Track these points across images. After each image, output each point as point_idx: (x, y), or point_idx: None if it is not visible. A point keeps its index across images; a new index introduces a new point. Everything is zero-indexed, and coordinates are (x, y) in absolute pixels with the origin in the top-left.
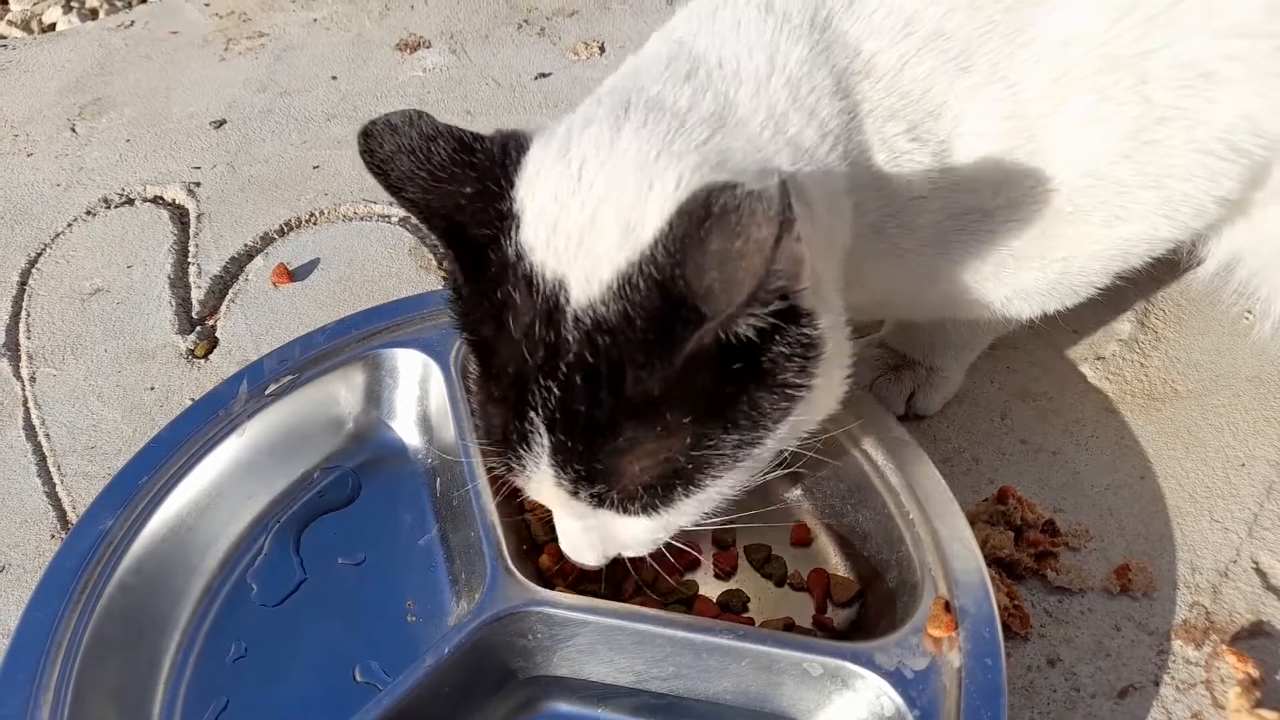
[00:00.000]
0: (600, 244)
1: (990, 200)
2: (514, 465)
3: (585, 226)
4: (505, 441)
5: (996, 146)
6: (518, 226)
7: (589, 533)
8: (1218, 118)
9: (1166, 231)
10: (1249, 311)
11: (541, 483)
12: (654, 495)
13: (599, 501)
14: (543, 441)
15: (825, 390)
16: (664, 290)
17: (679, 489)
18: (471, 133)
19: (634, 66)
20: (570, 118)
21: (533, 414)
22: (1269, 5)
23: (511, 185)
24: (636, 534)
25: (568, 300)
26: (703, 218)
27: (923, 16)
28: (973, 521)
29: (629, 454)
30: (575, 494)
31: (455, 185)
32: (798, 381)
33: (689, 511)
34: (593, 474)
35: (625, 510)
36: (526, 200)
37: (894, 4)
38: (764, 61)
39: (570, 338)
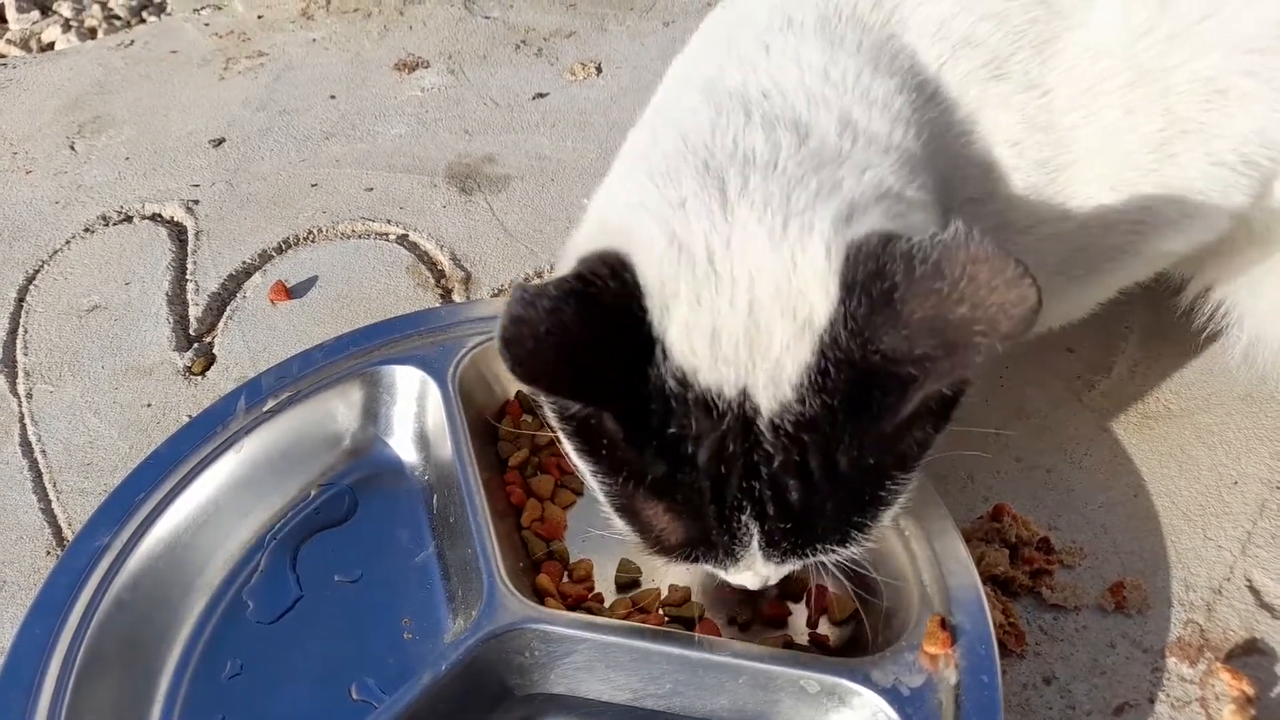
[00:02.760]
0: (775, 343)
1: (1024, 218)
2: (714, 560)
3: (749, 328)
4: (705, 544)
5: (1030, 158)
6: (665, 351)
7: (776, 575)
8: (1233, 132)
9: (1179, 245)
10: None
11: (748, 563)
12: (863, 530)
13: (809, 558)
14: (752, 533)
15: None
16: (862, 371)
17: (882, 514)
18: (573, 276)
19: (669, 118)
20: (636, 202)
21: (740, 515)
22: None
23: (645, 311)
24: (832, 559)
25: (757, 411)
26: (887, 290)
27: (954, 24)
28: (968, 539)
29: (843, 514)
30: (785, 562)
31: (603, 341)
32: (955, 409)
33: (885, 524)
34: (808, 542)
35: (834, 554)
36: (664, 319)
37: (931, 9)
38: (818, 78)
39: (770, 446)
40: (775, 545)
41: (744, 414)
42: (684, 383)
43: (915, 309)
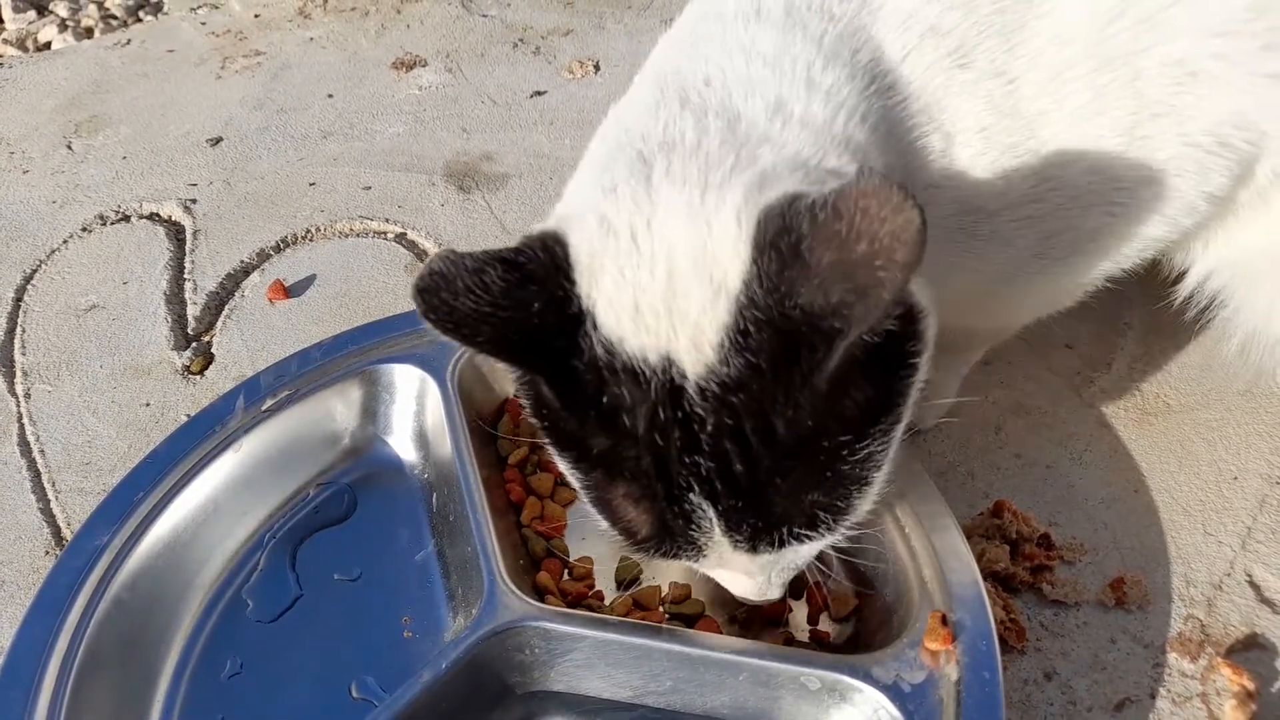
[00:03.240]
0: (692, 308)
1: (993, 201)
2: (683, 549)
3: (668, 295)
4: (667, 532)
5: (998, 143)
6: (595, 323)
7: (762, 574)
8: (1206, 114)
9: (1159, 229)
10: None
11: (718, 554)
12: (832, 512)
13: (780, 546)
14: (709, 515)
15: (930, 347)
16: (780, 328)
17: (853, 495)
18: (509, 249)
19: (619, 114)
20: (583, 192)
21: (690, 495)
22: (1252, 5)
23: (573, 284)
24: (813, 551)
25: (684, 375)
26: (794, 243)
27: (922, 13)
28: (969, 535)
29: (800, 490)
30: (755, 550)
31: (522, 309)
32: (916, 349)
33: (863, 511)
34: (770, 524)
35: (808, 540)
36: (593, 292)
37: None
38: (763, 66)
39: (701, 410)
40: (736, 528)
41: (671, 380)
42: (611, 351)
43: (821, 255)
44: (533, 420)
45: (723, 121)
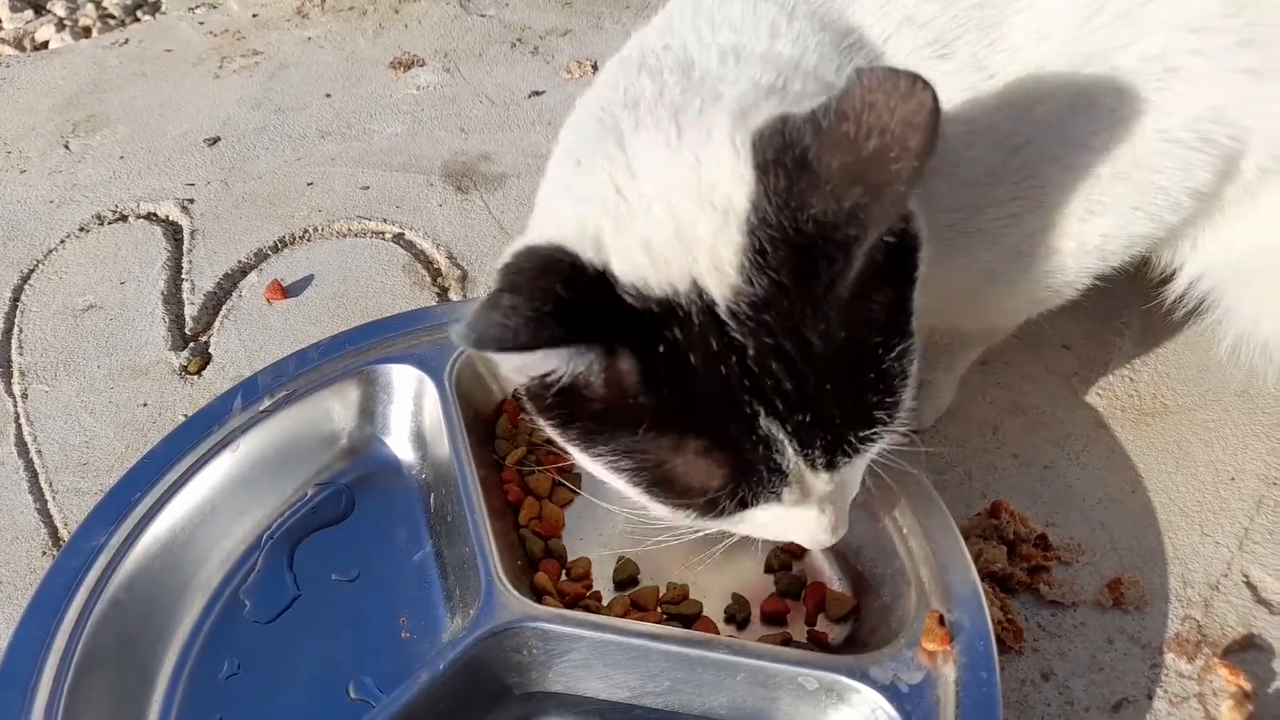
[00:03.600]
0: (703, 233)
1: (979, 199)
2: (763, 485)
3: (676, 227)
4: (745, 471)
5: (982, 138)
6: (614, 278)
7: (828, 509)
8: (1185, 109)
9: (1143, 226)
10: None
11: (798, 482)
12: (886, 409)
13: (852, 454)
14: (780, 437)
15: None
16: (796, 244)
17: (898, 389)
18: (503, 271)
19: (582, 99)
20: (548, 187)
21: (759, 420)
22: (1229, 0)
23: (575, 256)
24: (870, 457)
25: (714, 301)
26: (799, 156)
27: (897, 2)
28: (966, 536)
29: (852, 395)
30: (832, 464)
31: (554, 301)
32: (915, 264)
33: (909, 404)
34: (837, 433)
35: (872, 443)
36: (598, 255)
37: None
38: (724, 27)
39: (739, 335)
40: (809, 444)
41: (705, 306)
42: (642, 294)
43: (830, 161)
44: (582, 439)
45: (679, 74)
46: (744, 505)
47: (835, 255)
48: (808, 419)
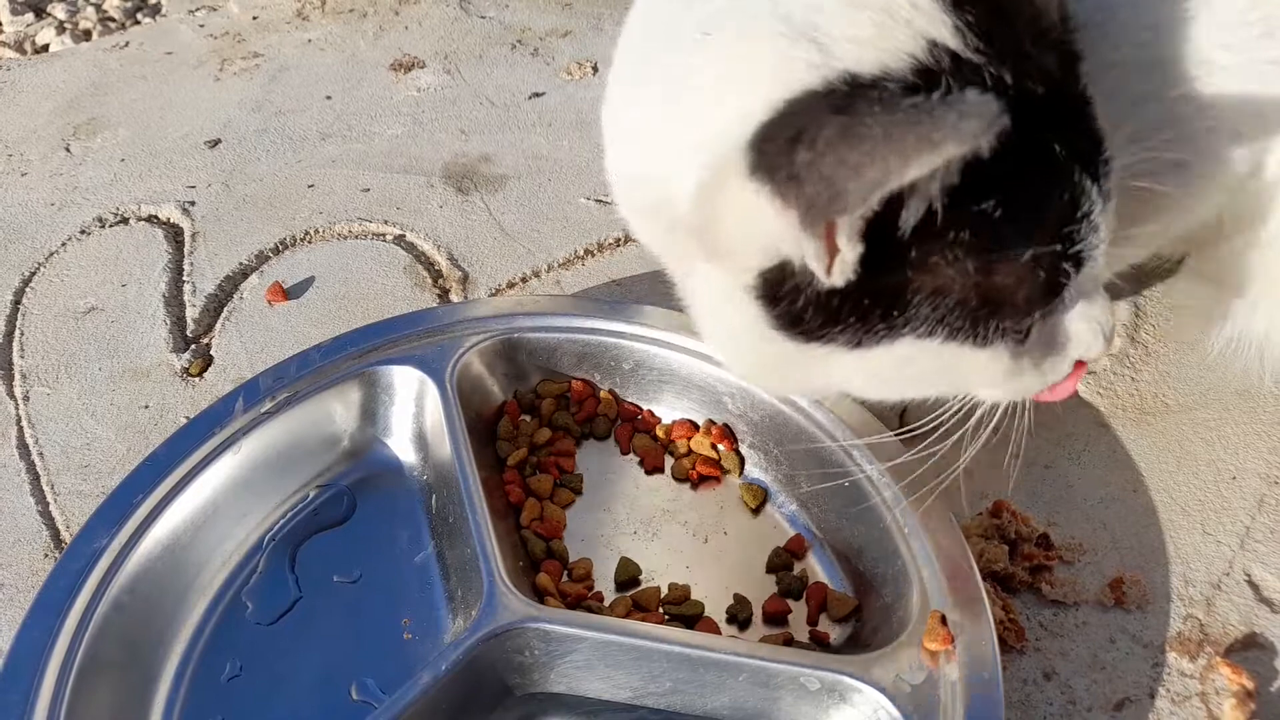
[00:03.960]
0: None
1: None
2: (1086, 252)
3: None
4: (1077, 232)
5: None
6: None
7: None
8: None
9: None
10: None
11: (1110, 266)
12: None
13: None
14: (1096, 200)
15: None
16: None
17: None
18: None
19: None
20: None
21: (1074, 174)
22: None
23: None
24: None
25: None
26: None
27: None
28: (967, 535)
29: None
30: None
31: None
32: None
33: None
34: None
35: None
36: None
37: None
38: None
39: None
40: (1102, 179)
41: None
42: (884, 80)
43: None
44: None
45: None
46: (1060, 287)
47: None
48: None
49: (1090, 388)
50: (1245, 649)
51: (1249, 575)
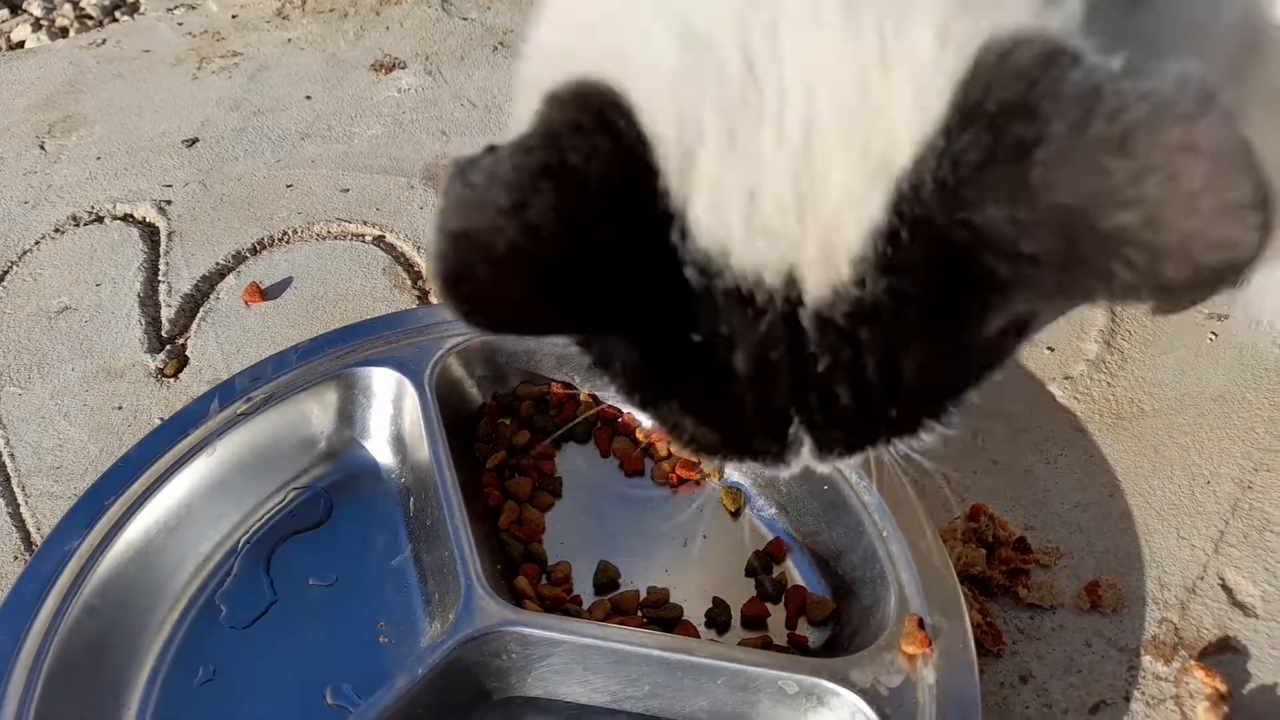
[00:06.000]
0: (832, 195)
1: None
2: (756, 461)
3: (800, 173)
4: (744, 451)
5: None
6: (685, 230)
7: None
8: None
9: None
10: (1214, 333)
11: (798, 465)
12: (936, 426)
13: (870, 451)
14: (804, 441)
15: None
16: (946, 246)
17: (952, 413)
18: (541, 141)
19: None
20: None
21: (788, 428)
22: None
23: (655, 174)
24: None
25: (801, 300)
26: (1030, 138)
27: None
28: (945, 539)
29: (911, 419)
30: (842, 459)
31: (596, 248)
32: None
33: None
34: (868, 444)
35: (889, 448)
36: (684, 181)
37: None
38: None
39: (816, 347)
40: (829, 449)
41: (789, 304)
42: (711, 271)
43: (1059, 185)
44: (608, 378)
45: None
46: (728, 461)
47: (976, 290)
48: (842, 434)
49: (1067, 393)
50: (1219, 652)
51: (1223, 579)
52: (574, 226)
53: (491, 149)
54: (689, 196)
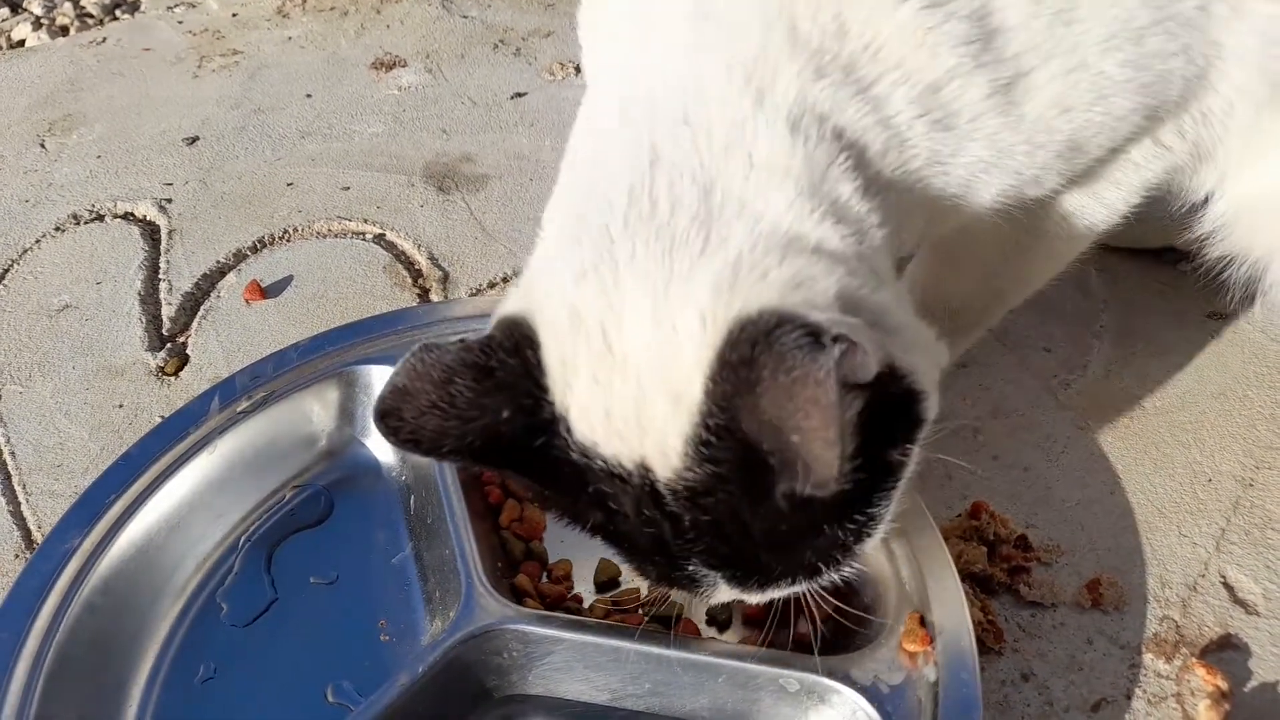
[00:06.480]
0: (657, 415)
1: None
2: (687, 590)
3: (639, 401)
4: (672, 583)
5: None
6: (568, 428)
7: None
8: None
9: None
10: (1215, 332)
11: (726, 594)
12: (835, 561)
13: (790, 587)
14: (712, 576)
15: (933, 388)
16: (740, 440)
17: (854, 544)
18: (478, 346)
19: (587, 148)
20: (554, 267)
21: (690, 566)
22: None
23: (545, 390)
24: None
25: (655, 479)
26: (753, 379)
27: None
28: (946, 537)
29: (793, 557)
30: (765, 592)
31: (490, 417)
32: (919, 413)
33: (870, 548)
34: (774, 579)
35: (817, 579)
36: (567, 398)
37: None
38: (744, 108)
39: (677, 509)
40: (742, 584)
41: (647, 481)
42: (588, 454)
43: (766, 408)
44: (538, 498)
45: (698, 189)
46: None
47: (768, 471)
48: (741, 573)
49: (1069, 390)
50: (1220, 650)
51: (1224, 577)
52: (477, 405)
53: (461, 342)
54: (569, 407)
